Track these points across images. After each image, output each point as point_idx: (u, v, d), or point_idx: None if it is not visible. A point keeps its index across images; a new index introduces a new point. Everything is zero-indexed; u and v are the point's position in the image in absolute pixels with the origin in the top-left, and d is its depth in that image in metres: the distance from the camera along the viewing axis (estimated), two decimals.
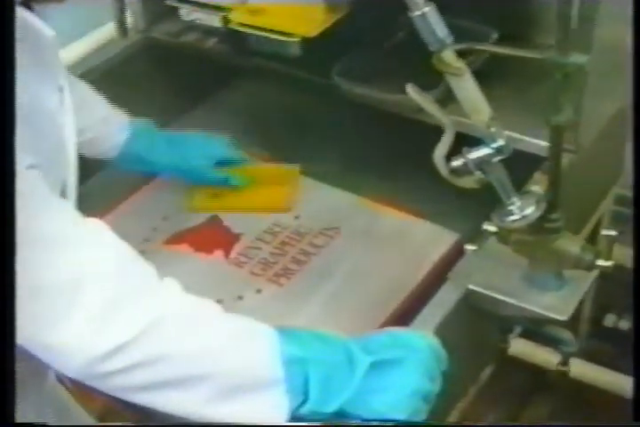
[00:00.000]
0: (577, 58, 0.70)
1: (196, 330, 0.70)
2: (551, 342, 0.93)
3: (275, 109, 1.32)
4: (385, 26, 1.15)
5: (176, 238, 1.20)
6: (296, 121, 1.29)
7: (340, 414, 0.75)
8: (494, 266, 0.90)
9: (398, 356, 0.76)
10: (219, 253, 1.17)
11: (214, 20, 1.23)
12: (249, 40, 1.21)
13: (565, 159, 1.03)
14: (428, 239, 1.16)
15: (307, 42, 1.17)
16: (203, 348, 0.70)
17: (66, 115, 0.77)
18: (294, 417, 0.73)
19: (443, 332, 0.86)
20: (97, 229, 0.71)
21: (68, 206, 0.70)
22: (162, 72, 1.32)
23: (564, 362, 0.93)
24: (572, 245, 0.83)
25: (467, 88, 0.74)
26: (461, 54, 0.75)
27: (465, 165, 0.78)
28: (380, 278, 1.11)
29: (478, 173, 0.79)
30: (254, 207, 1.22)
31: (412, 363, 0.76)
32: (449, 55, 0.72)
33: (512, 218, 0.82)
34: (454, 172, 0.80)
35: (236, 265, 1.15)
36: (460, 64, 0.72)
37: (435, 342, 0.80)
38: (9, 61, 0.59)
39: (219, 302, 1.09)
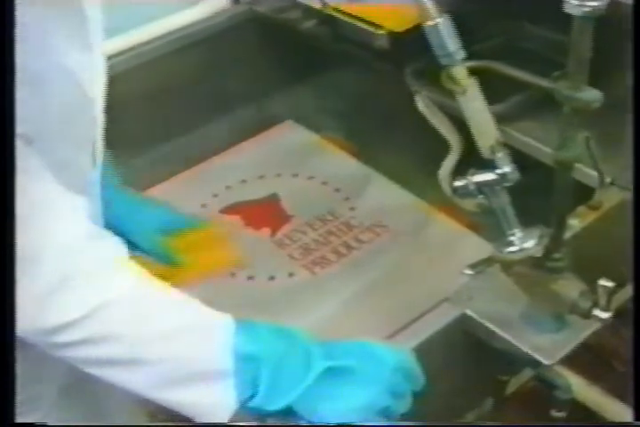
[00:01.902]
0: (588, 94, 0.65)
1: (148, 316, 0.71)
2: (546, 386, 0.87)
3: (359, 98, 1.30)
4: (475, 32, 1.11)
5: (231, 209, 1.23)
6: (377, 113, 1.27)
7: (289, 412, 0.75)
8: (498, 295, 0.86)
9: (359, 365, 0.73)
10: (266, 231, 1.19)
11: (314, 1, 1.23)
12: (341, 27, 1.20)
13: (618, 196, 0.96)
14: (473, 253, 1.11)
15: (394, 36, 1.14)
16: (152, 334, 0.70)
17: (94, 75, 0.78)
18: (243, 408, 0.74)
19: (425, 351, 0.84)
20: (72, 204, 0.70)
21: (49, 179, 0.69)
22: (261, 46, 1.33)
23: (559, 408, 0.88)
24: (571, 288, 0.77)
25: (472, 108, 0.70)
26: None
27: (466, 186, 0.75)
28: (412, 284, 1.09)
29: (481, 197, 0.76)
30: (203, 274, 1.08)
31: (372, 375, 0.74)
32: (459, 71, 0.69)
33: (510, 249, 0.77)
34: (456, 192, 0.76)
35: (279, 246, 1.17)
36: (468, 82, 0.69)
37: (408, 358, 0.77)
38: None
39: (250, 278, 1.14)
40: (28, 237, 0.65)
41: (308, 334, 0.78)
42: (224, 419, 0.72)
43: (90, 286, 0.67)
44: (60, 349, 0.68)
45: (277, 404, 0.72)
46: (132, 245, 1.02)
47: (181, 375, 0.71)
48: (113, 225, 1.00)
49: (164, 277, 1.01)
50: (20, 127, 0.65)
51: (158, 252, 1.02)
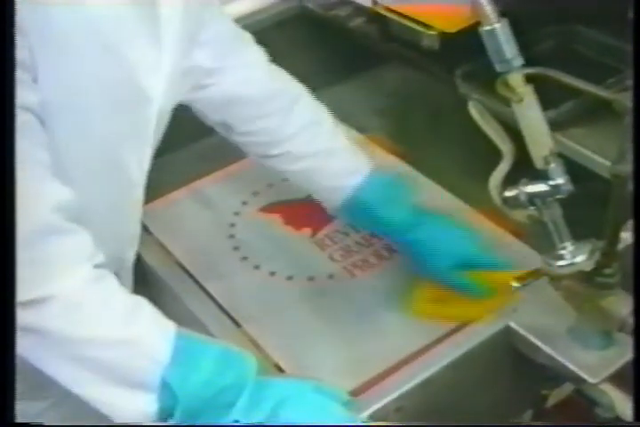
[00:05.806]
0: None
1: (85, 320, 0.70)
2: (588, 402, 0.85)
3: (406, 99, 1.28)
4: (525, 35, 1.08)
5: (272, 207, 1.21)
6: (423, 114, 1.26)
7: None
8: (544, 309, 0.84)
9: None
10: (306, 231, 1.17)
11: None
12: (391, 26, 1.18)
13: None
14: (516, 260, 1.09)
15: (445, 37, 1.12)
16: (86, 336, 0.70)
17: (158, 74, 0.76)
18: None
19: (467, 362, 0.82)
20: (42, 194, 0.69)
21: (44, 160, 0.69)
22: (308, 43, 1.32)
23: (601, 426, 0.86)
24: (620, 305, 0.75)
25: (528, 117, 0.68)
26: None
27: (517, 197, 0.73)
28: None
29: (532, 209, 0.74)
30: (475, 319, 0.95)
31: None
32: (516, 79, 0.67)
33: (560, 263, 0.75)
34: (507, 202, 0.74)
35: (319, 246, 1.15)
36: (524, 90, 0.67)
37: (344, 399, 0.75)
38: None
39: (289, 278, 1.12)
40: None
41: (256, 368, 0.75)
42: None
43: (38, 278, 0.67)
44: None
45: None
46: (427, 271, 1.01)
47: (107, 378, 0.70)
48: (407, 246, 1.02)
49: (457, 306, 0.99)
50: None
51: (459, 281, 0.98)
